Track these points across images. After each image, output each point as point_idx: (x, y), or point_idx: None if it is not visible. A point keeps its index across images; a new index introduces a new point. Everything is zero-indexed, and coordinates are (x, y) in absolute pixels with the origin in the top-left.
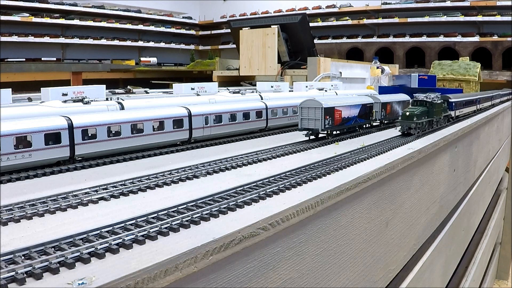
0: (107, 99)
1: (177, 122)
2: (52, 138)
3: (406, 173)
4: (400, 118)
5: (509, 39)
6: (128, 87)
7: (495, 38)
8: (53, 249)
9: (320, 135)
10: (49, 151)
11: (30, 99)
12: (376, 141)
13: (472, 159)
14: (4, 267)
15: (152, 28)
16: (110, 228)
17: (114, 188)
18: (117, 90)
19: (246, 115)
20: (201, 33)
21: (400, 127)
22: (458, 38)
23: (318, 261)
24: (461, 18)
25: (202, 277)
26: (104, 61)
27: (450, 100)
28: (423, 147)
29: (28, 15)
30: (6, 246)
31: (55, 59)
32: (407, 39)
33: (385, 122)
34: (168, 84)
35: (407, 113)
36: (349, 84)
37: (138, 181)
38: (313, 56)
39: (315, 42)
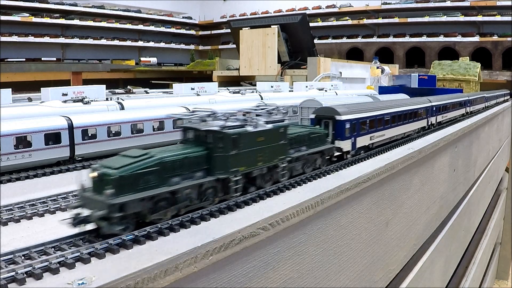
0: (107, 99)
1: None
2: (52, 138)
3: (406, 173)
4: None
5: (509, 39)
6: (128, 87)
7: (495, 38)
8: (53, 249)
9: None
10: (49, 151)
11: (30, 99)
12: None
13: (472, 159)
14: (4, 267)
15: (152, 28)
16: None
17: None
18: (117, 90)
19: None
20: (201, 33)
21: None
22: (458, 38)
23: (318, 261)
24: (461, 18)
25: (202, 277)
26: (104, 61)
27: (338, 118)
28: (423, 147)
29: (28, 15)
30: (6, 246)
31: (55, 59)
32: (407, 39)
33: None
34: (168, 84)
35: (94, 176)
36: (349, 84)
37: None
38: (313, 56)
39: (315, 42)
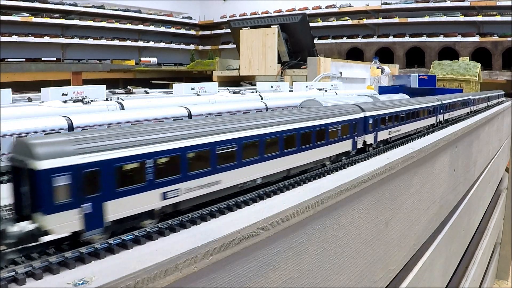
0: (107, 99)
1: None
2: None
3: (406, 173)
4: None
5: (509, 39)
6: (128, 87)
7: (495, 38)
8: (53, 249)
9: None
10: None
11: (30, 99)
12: None
13: (472, 159)
14: (4, 267)
15: (152, 28)
16: None
17: None
18: (117, 90)
19: None
20: (201, 33)
21: None
22: (458, 38)
23: (318, 261)
24: (461, 18)
25: (202, 277)
26: (104, 61)
27: (34, 165)
28: (423, 147)
29: (28, 15)
30: None
31: (55, 59)
32: (407, 39)
33: None
34: (168, 84)
35: None
36: (349, 84)
37: None
38: (313, 56)
39: (315, 42)
